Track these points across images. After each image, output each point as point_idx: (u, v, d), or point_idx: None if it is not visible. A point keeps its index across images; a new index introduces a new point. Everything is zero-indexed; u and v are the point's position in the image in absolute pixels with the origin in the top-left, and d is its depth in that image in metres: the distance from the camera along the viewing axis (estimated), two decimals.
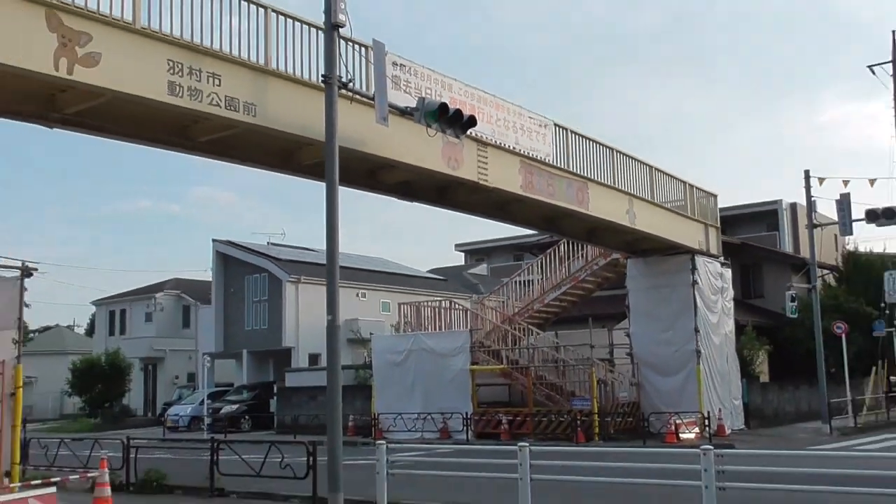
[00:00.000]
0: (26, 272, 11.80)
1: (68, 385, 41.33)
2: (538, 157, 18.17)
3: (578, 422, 22.94)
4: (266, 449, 14.24)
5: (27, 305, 11.80)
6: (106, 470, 11.68)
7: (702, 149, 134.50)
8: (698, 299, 23.99)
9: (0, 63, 10.00)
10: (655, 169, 23.15)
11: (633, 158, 22.17)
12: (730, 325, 26.28)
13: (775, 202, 38.34)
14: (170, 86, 11.61)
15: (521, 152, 17.66)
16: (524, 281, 30.05)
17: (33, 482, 11.53)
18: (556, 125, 18.83)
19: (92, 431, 30.63)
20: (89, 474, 12.70)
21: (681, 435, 22.02)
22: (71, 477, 13.05)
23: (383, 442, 12.32)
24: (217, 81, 12.16)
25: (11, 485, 10.80)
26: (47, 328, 57.43)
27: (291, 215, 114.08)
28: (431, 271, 49.98)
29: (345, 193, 13.14)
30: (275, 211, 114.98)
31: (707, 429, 22.34)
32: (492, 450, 16.08)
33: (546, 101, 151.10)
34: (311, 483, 12.64)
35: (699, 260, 24.41)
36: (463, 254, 54.72)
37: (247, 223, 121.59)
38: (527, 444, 10.67)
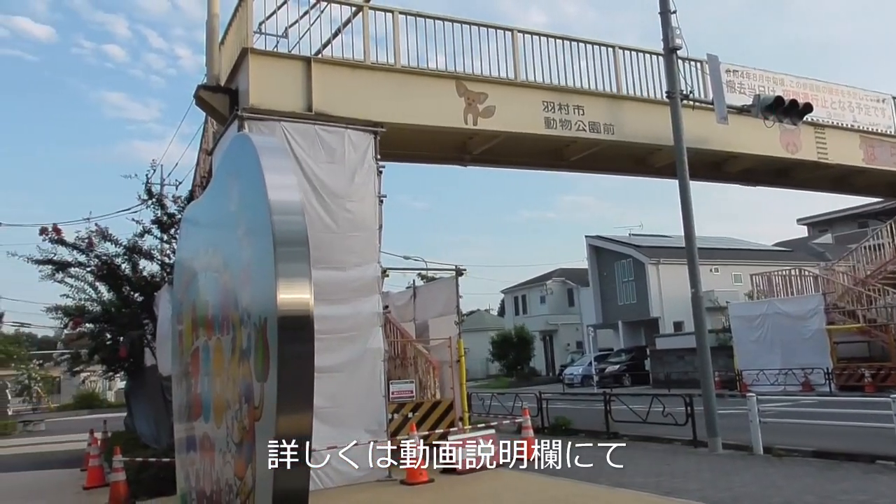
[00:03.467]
0: (459, 273, 13.09)
1: (490, 353, 44.40)
2: (879, 131, 15.76)
3: None
4: (647, 400, 13.90)
5: (461, 297, 13.04)
6: (528, 416, 12.23)
7: None
8: None
9: (433, 125, 11.27)
10: None
11: None
12: None
13: None
14: (546, 121, 12.10)
15: (860, 128, 15.49)
16: (873, 245, 25.95)
17: (479, 425, 12.70)
18: (894, 98, 16.18)
19: (508, 388, 32.29)
20: (516, 420, 13.43)
21: None
22: (504, 422, 14.10)
23: (753, 394, 11.49)
24: (581, 111, 12.40)
25: (465, 427, 12.03)
26: (472, 312, 62.31)
27: (640, 209, 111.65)
28: (776, 245, 45.45)
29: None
30: (624, 207, 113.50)
31: None
32: (860, 401, 14.18)
33: (882, 77, 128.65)
34: (691, 429, 12.17)
35: None
36: (805, 226, 49.03)
37: (606, 219, 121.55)
38: None
